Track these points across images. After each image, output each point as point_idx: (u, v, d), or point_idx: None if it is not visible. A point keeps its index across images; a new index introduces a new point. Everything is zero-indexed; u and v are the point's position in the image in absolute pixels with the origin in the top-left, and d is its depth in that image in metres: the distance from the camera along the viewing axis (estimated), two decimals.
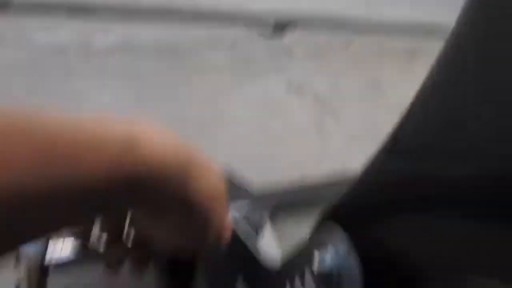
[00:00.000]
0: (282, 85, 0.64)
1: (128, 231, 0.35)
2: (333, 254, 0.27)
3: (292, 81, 0.65)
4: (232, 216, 0.35)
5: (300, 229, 0.48)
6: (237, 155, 0.53)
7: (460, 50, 0.23)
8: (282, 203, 0.49)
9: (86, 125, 0.19)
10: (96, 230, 0.34)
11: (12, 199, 0.16)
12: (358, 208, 0.28)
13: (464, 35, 0.22)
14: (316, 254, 0.27)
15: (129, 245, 0.34)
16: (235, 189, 0.33)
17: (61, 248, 0.32)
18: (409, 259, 0.24)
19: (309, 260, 0.27)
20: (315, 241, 0.29)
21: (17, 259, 0.31)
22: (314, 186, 0.52)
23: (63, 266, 0.32)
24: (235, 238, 0.37)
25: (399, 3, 0.89)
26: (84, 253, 0.33)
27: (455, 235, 0.21)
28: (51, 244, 0.32)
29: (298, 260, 0.30)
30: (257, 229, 0.43)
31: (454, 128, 0.22)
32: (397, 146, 0.27)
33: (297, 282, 0.30)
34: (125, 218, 0.34)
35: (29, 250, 0.31)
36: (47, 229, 0.20)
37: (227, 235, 0.30)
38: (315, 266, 0.26)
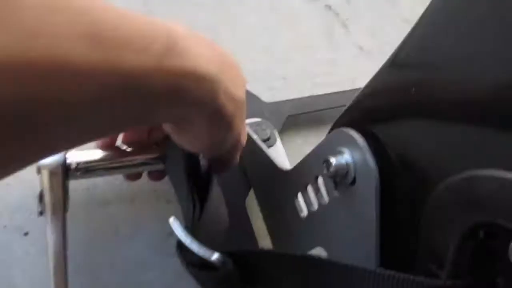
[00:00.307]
0: None
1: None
2: (348, 153, 0.27)
3: None
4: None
5: (308, 148, 0.48)
6: (246, 62, 0.51)
7: None
8: (292, 116, 0.48)
9: (126, 16, 0.18)
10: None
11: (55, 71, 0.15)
12: (367, 113, 0.28)
13: None
14: (332, 154, 0.27)
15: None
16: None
17: (82, 153, 0.33)
18: (418, 161, 0.24)
19: (325, 160, 0.27)
20: (329, 144, 0.29)
21: (38, 166, 0.31)
22: (324, 97, 0.51)
23: (85, 169, 0.32)
24: (250, 142, 0.37)
25: None
26: (107, 157, 0.33)
27: (456, 135, 0.21)
28: (71, 151, 0.32)
29: (313, 162, 0.30)
30: (267, 142, 0.43)
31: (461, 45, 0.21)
32: (402, 57, 0.25)
33: (313, 182, 0.30)
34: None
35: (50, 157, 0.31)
36: (66, 137, 0.19)
37: (244, 142, 0.31)
38: (332, 165, 0.26)
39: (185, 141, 0.28)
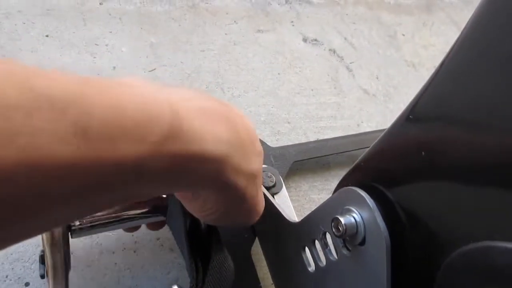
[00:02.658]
0: (298, 35, 0.61)
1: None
2: (357, 213, 0.26)
3: (308, 32, 0.63)
4: None
5: (314, 194, 0.48)
6: (251, 106, 0.51)
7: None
8: (298, 162, 0.48)
9: (126, 100, 0.17)
10: None
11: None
12: (376, 172, 0.27)
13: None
14: (341, 213, 0.27)
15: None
16: None
17: None
18: (429, 225, 0.23)
19: (333, 219, 0.26)
20: (338, 202, 0.28)
21: None
22: (329, 142, 0.51)
23: (87, 226, 0.32)
24: None
25: None
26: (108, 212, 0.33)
27: (471, 202, 0.20)
28: None
29: (321, 219, 0.30)
30: (273, 189, 0.43)
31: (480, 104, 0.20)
32: (417, 113, 0.25)
33: (321, 238, 0.30)
34: None
35: None
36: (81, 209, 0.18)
37: (261, 212, 0.30)
38: (341, 224, 0.25)
39: (194, 210, 0.27)
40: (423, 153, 0.22)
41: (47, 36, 0.46)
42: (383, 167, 0.26)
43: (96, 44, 0.47)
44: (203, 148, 0.19)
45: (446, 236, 0.22)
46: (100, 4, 0.51)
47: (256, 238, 0.41)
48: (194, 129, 0.19)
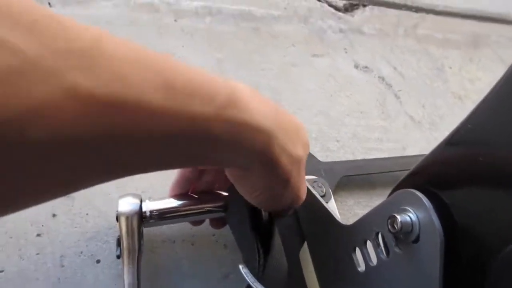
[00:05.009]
0: (350, 62, 0.65)
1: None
2: (413, 212, 0.28)
3: (359, 59, 0.66)
4: None
5: (359, 209, 0.50)
6: (304, 123, 0.55)
7: None
8: (345, 177, 0.51)
9: (197, 73, 0.21)
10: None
11: (130, 115, 0.18)
12: (432, 177, 0.30)
13: None
14: (397, 212, 0.29)
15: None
16: None
17: (155, 203, 0.37)
18: (484, 226, 0.25)
19: (390, 216, 0.29)
20: (394, 202, 0.31)
21: (117, 214, 0.35)
22: (376, 162, 0.53)
23: (157, 216, 0.36)
24: (307, 195, 0.40)
25: None
26: (177, 205, 0.37)
27: None
28: (145, 201, 0.36)
29: (376, 219, 0.32)
30: (323, 199, 0.46)
31: None
32: (476, 121, 0.27)
33: (373, 238, 0.32)
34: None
35: (127, 206, 0.35)
36: (142, 165, 0.21)
37: (303, 198, 0.33)
38: (397, 221, 0.28)
39: (245, 191, 0.30)
40: (480, 158, 0.25)
41: None
42: (440, 172, 0.29)
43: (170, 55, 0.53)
44: (254, 118, 0.23)
45: (502, 232, 0.24)
46: (175, 21, 0.56)
47: (305, 243, 0.44)
48: (247, 103, 0.23)
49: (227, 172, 0.30)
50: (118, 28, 0.52)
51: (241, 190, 0.31)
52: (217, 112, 0.21)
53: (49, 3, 0.52)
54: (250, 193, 0.30)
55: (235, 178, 0.29)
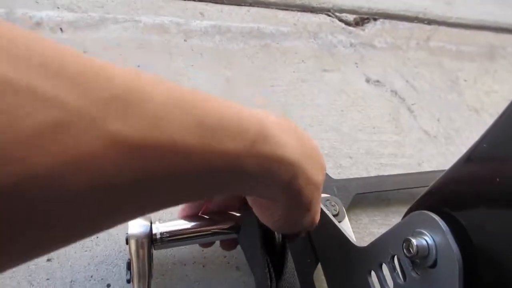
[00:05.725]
0: (361, 76, 0.64)
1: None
2: (429, 236, 0.27)
3: (371, 73, 0.65)
4: None
5: (374, 227, 0.49)
6: (315, 139, 0.54)
7: None
8: (359, 195, 0.50)
9: (227, 106, 0.21)
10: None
11: (162, 159, 0.18)
12: (448, 198, 0.29)
13: None
14: (412, 235, 0.28)
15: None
16: None
17: (165, 224, 0.36)
18: (504, 249, 0.24)
19: (405, 240, 0.28)
20: (409, 225, 0.30)
21: (127, 237, 0.34)
22: (390, 178, 0.52)
23: (168, 239, 0.35)
24: (321, 216, 0.39)
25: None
26: (187, 227, 0.36)
27: None
28: (155, 223, 0.36)
29: (391, 241, 0.31)
30: (336, 218, 0.45)
31: None
32: (492, 141, 0.27)
33: (389, 261, 0.31)
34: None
35: (137, 228, 0.35)
36: (175, 200, 0.21)
37: (317, 221, 0.32)
38: (413, 245, 0.27)
39: (265, 217, 0.30)
40: (497, 179, 0.24)
41: (138, 66, 0.52)
42: (456, 192, 0.28)
43: (180, 75, 0.53)
44: (282, 152, 0.23)
45: None
46: (184, 41, 0.57)
47: (319, 264, 0.43)
48: (276, 137, 0.23)
49: (249, 200, 0.30)
50: (129, 50, 0.53)
51: (260, 215, 0.31)
52: (248, 147, 0.21)
53: (60, 29, 0.53)
54: (269, 219, 0.30)
55: (257, 206, 0.30)
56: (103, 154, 0.15)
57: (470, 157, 0.27)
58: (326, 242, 0.41)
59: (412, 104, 0.65)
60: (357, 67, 0.66)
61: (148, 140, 0.17)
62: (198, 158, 0.19)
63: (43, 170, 0.14)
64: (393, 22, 0.76)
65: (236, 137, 0.21)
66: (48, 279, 0.38)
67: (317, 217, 0.32)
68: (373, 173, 0.55)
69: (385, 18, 0.75)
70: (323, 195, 0.47)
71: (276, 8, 0.68)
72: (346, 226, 0.46)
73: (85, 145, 0.15)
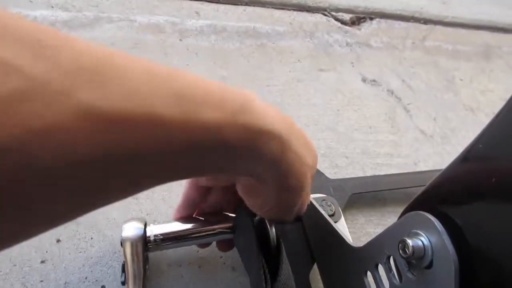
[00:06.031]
0: (357, 76, 0.64)
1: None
2: (425, 236, 0.27)
3: (367, 73, 0.65)
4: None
5: (370, 227, 0.49)
6: (311, 139, 0.54)
7: None
8: (355, 194, 0.50)
9: (208, 83, 0.21)
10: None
11: (143, 126, 0.17)
12: (443, 198, 0.29)
13: None
14: (408, 235, 0.28)
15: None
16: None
17: (160, 226, 0.36)
18: (500, 249, 0.24)
19: (400, 241, 0.28)
20: (405, 226, 0.30)
21: (121, 240, 0.34)
22: (387, 178, 0.52)
23: (162, 241, 0.35)
24: (317, 216, 0.38)
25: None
26: (182, 228, 0.36)
27: None
28: (150, 225, 0.36)
29: (387, 242, 0.31)
30: (332, 218, 0.45)
31: None
32: (488, 140, 0.26)
33: (384, 262, 0.31)
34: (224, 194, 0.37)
35: (131, 231, 0.34)
36: (159, 177, 0.21)
37: (305, 208, 0.32)
38: (409, 246, 0.27)
39: (257, 204, 0.30)
40: (493, 179, 0.24)
41: None
42: (452, 192, 0.28)
43: None
44: (265, 123, 0.23)
45: None
46: (180, 40, 0.56)
47: (315, 264, 0.43)
48: (260, 110, 0.23)
49: (239, 187, 0.30)
50: (124, 50, 0.52)
51: (252, 203, 0.30)
52: (229, 118, 0.21)
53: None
54: (261, 207, 0.30)
55: (247, 191, 0.29)
56: (75, 126, 0.15)
57: (466, 157, 0.27)
58: (322, 242, 0.41)
59: (408, 104, 0.64)
60: (353, 66, 0.66)
61: (124, 112, 0.16)
62: (178, 131, 0.19)
63: (6, 140, 0.13)
64: (389, 21, 0.76)
65: (217, 109, 0.20)
66: (42, 281, 0.37)
67: (305, 207, 0.32)
68: (369, 173, 0.54)
69: (381, 18, 0.75)
70: (318, 195, 0.47)
71: (272, 8, 0.68)
72: (342, 226, 0.46)
73: (52, 116, 0.14)
